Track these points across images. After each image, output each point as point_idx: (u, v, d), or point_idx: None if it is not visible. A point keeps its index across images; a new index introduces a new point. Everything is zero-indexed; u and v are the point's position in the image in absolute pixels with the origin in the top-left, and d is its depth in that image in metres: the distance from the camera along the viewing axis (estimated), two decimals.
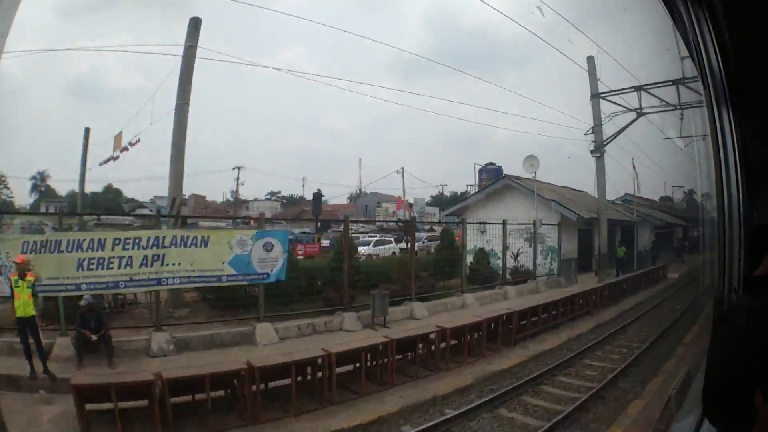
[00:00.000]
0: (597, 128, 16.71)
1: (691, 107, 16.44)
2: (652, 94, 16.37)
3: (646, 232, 21.54)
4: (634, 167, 20.29)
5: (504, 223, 14.21)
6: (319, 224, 21.67)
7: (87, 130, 24.13)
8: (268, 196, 50.12)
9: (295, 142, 64.52)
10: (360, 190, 44.84)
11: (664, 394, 5.89)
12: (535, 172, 16.13)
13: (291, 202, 49.33)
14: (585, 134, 16.75)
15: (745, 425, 0.69)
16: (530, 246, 16.43)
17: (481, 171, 20.98)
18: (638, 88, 16.30)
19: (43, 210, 29.98)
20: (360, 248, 21.09)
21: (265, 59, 74.57)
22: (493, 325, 9.65)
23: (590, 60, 17.04)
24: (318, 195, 18.38)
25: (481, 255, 15.38)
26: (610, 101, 16.71)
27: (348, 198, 48.41)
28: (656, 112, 16.24)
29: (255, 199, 41.67)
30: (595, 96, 16.81)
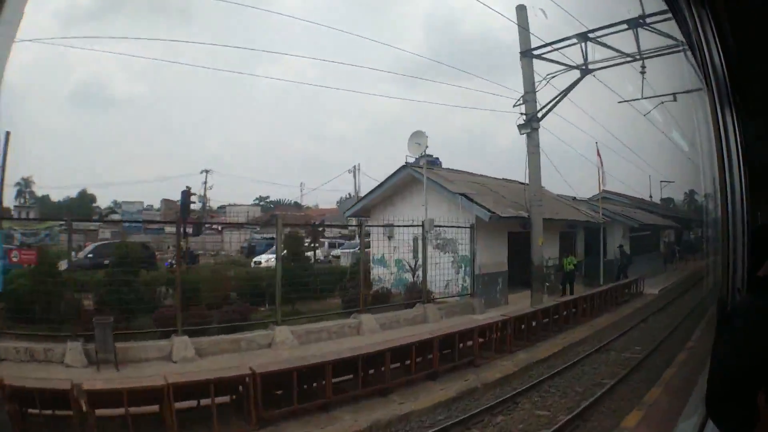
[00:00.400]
0: (529, 96, 12.30)
1: (655, 55, 11.74)
2: (607, 45, 11.89)
3: (618, 236, 16.45)
4: (598, 154, 15.37)
5: (360, 225, 10.34)
6: (187, 228, 18.72)
7: (7, 134, 22.80)
8: (256, 201, 48.44)
9: (298, 148, 62.72)
10: (349, 194, 41.77)
11: None
12: (423, 152, 11.95)
13: (278, 206, 47.24)
14: (513, 106, 12.40)
15: (748, 426, 0.68)
16: (442, 254, 12.41)
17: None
18: (584, 36, 11.84)
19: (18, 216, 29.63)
20: (266, 256, 17.82)
21: (269, 64, 73.04)
22: (235, 387, 6.01)
23: (520, 10, 12.72)
24: (186, 193, 15.25)
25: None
26: (546, 59, 12.32)
27: (337, 203, 45.73)
28: (607, 66, 11.76)
29: (230, 204, 39.50)
30: (527, 53, 12.43)
